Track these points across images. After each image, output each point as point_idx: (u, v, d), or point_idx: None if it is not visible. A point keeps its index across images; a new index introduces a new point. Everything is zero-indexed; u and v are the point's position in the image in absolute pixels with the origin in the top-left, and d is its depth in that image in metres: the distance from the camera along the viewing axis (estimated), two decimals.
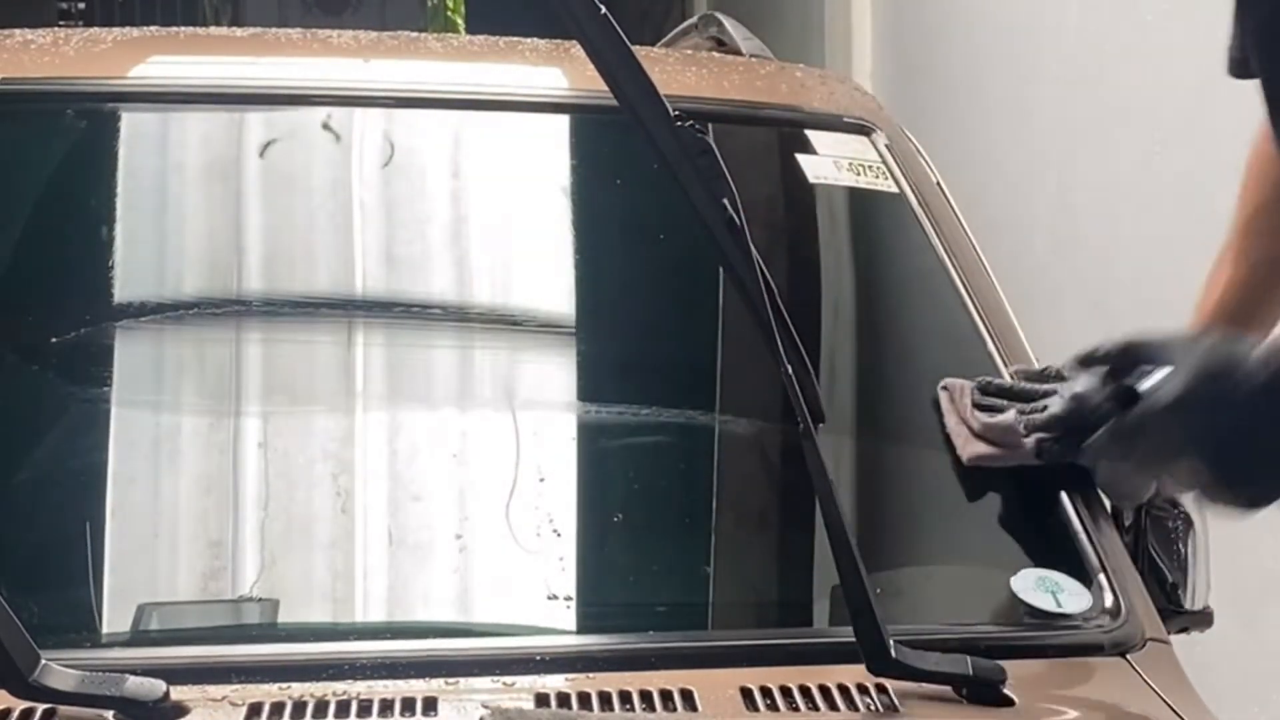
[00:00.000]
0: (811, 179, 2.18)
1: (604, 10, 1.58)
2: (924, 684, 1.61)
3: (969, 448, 1.92)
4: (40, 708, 1.50)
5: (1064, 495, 1.91)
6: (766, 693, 1.60)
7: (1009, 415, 1.88)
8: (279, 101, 2.23)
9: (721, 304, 2.10)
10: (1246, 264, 2.09)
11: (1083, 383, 1.82)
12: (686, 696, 1.58)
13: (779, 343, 1.61)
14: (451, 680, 1.60)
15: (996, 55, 4.54)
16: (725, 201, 1.61)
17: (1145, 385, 1.71)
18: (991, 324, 2.09)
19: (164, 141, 2.25)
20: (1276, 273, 2.09)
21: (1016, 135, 4.32)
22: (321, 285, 2.10)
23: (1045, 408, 1.85)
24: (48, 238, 2.09)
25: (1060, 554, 1.86)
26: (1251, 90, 1.90)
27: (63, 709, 1.50)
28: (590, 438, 2.00)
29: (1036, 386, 1.90)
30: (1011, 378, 1.96)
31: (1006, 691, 1.61)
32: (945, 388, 1.96)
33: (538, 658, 1.64)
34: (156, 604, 1.76)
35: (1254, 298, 2.08)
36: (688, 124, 1.61)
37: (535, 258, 2.17)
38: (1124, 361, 1.78)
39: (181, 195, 2.18)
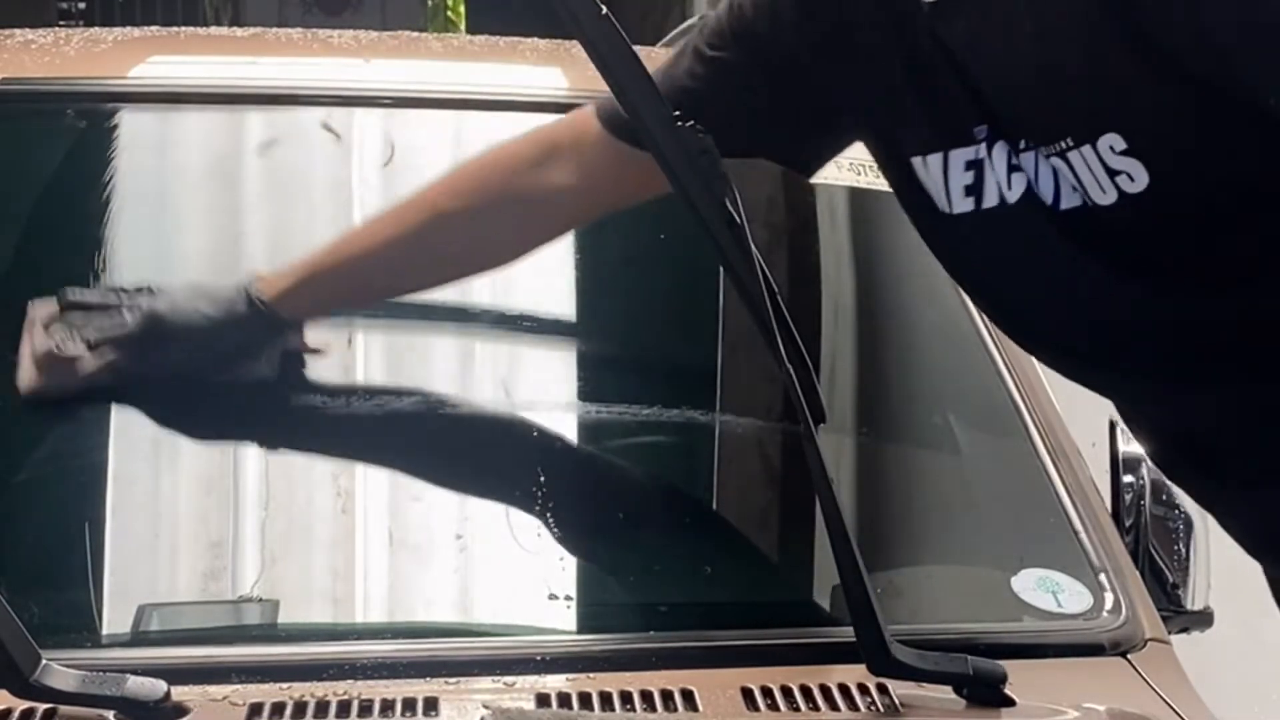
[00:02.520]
0: (812, 179, 2.18)
1: (604, 10, 1.58)
2: (924, 684, 1.61)
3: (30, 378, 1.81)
4: (41, 708, 1.50)
5: (1064, 495, 1.91)
6: (767, 692, 1.60)
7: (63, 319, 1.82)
8: (279, 101, 2.23)
9: (722, 304, 2.10)
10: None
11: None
12: (687, 696, 1.58)
13: (779, 343, 1.61)
14: (452, 680, 1.60)
15: None
16: (725, 201, 1.61)
17: None
18: (991, 324, 2.09)
19: (164, 141, 2.25)
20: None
21: None
22: None
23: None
24: (48, 238, 2.09)
25: (1060, 554, 1.86)
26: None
27: (63, 709, 1.50)
28: (590, 438, 2.00)
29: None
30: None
31: (1006, 691, 1.61)
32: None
33: (538, 658, 1.64)
34: (157, 604, 1.76)
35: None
36: (688, 124, 1.61)
37: (535, 258, 2.17)
38: None
39: (182, 195, 2.19)
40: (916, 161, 1.66)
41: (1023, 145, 1.57)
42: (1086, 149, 1.50)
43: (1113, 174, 1.49)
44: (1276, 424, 1.61)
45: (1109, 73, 1.47)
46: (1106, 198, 1.51)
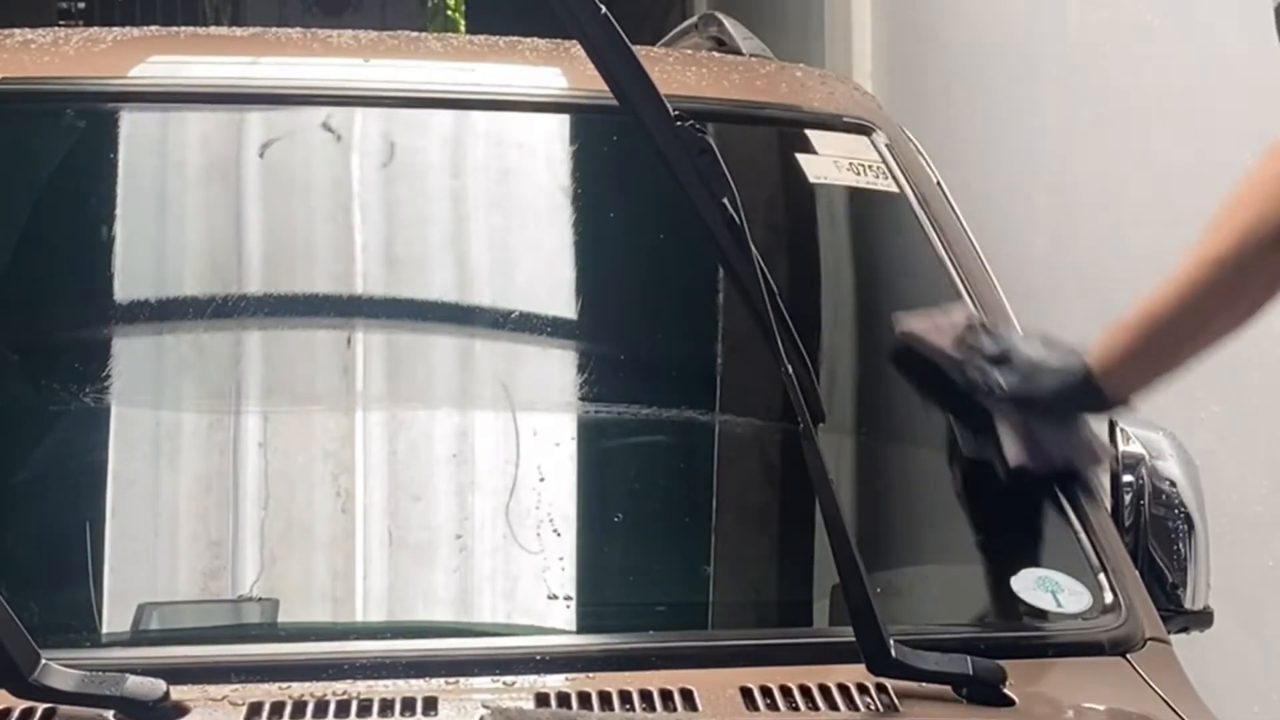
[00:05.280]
0: (811, 179, 2.18)
1: (604, 10, 1.58)
2: (924, 684, 1.61)
3: (916, 331, 1.98)
4: (40, 707, 1.50)
5: (1064, 495, 1.91)
6: (766, 692, 1.60)
7: (961, 317, 1.98)
8: (279, 101, 2.23)
9: (722, 304, 2.10)
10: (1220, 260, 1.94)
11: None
12: (686, 696, 1.58)
13: (779, 343, 1.61)
14: (451, 680, 1.60)
15: (996, 55, 4.54)
16: (725, 201, 1.61)
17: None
18: (991, 324, 2.09)
19: (164, 141, 2.25)
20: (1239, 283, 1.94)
21: (1016, 135, 4.32)
22: (321, 285, 2.10)
23: (999, 356, 1.94)
24: (48, 237, 2.09)
25: (1060, 554, 1.86)
26: (1250, 90, 1.90)
27: (63, 709, 1.50)
28: (590, 437, 2.00)
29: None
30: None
31: (1006, 691, 1.61)
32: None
33: (538, 657, 1.64)
34: (156, 604, 1.76)
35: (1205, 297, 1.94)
36: (688, 124, 1.61)
37: (535, 257, 2.17)
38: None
39: (182, 195, 2.18)
40: None
41: None
42: None
43: None
44: None
45: None
46: None
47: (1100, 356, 1.93)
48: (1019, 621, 1.80)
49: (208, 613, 1.77)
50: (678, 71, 2.38)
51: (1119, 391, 1.93)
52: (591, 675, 1.62)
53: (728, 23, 2.82)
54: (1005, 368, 1.93)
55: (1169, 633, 1.87)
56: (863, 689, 1.60)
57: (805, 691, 1.60)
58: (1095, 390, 1.92)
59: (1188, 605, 2.05)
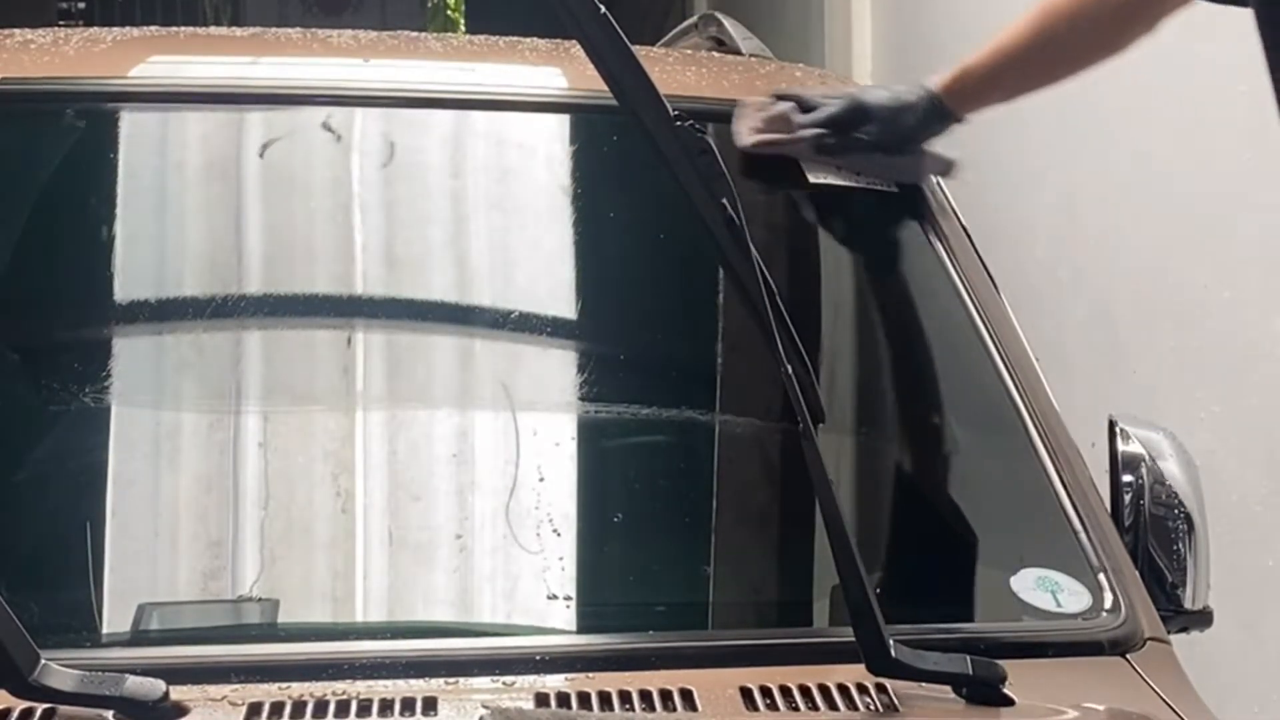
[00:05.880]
0: (811, 179, 2.18)
1: (604, 10, 1.58)
2: (924, 684, 1.61)
3: (749, 137, 2.14)
4: (40, 707, 1.50)
5: (1064, 495, 1.91)
6: (766, 692, 1.60)
7: (785, 105, 2.16)
8: (279, 101, 2.23)
9: (722, 304, 2.10)
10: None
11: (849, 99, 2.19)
12: (686, 696, 1.58)
13: (779, 343, 1.61)
14: (451, 680, 1.60)
15: None
16: (725, 201, 1.61)
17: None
18: (991, 324, 2.09)
19: (164, 141, 2.24)
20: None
21: (1016, 136, 4.32)
22: (322, 285, 2.10)
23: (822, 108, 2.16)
24: (48, 237, 2.09)
25: (1060, 554, 1.86)
26: (1249, 90, 1.91)
27: (63, 709, 1.50)
28: (590, 437, 2.00)
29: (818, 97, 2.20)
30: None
31: (1006, 691, 1.61)
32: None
33: (538, 658, 1.64)
34: (156, 604, 1.76)
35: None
36: (688, 124, 1.61)
37: (535, 257, 2.17)
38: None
39: (182, 195, 2.18)
40: None
41: None
42: None
43: None
44: None
45: None
46: None
47: (950, 84, 2.19)
48: (1019, 621, 1.80)
49: (208, 613, 1.77)
50: (678, 71, 2.38)
51: (961, 111, 2.19)
52: (591, 675, 1.62)
53: (727, 23, 2.82)
54: (864, 125, 2.15)
55: (1169, 633, 1.87)
56: (863, 689, 1.60)
57: (805, 691, 1.60)
58: (945, 112, 2.18)
59: (1188, 605, 2.05)
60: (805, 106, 2.17)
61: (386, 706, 1.55)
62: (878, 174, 2.18)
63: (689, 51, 2.76)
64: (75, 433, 1.90)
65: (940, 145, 2.22)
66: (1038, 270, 4.20)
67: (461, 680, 1.60)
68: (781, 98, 2.18)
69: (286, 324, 2.07)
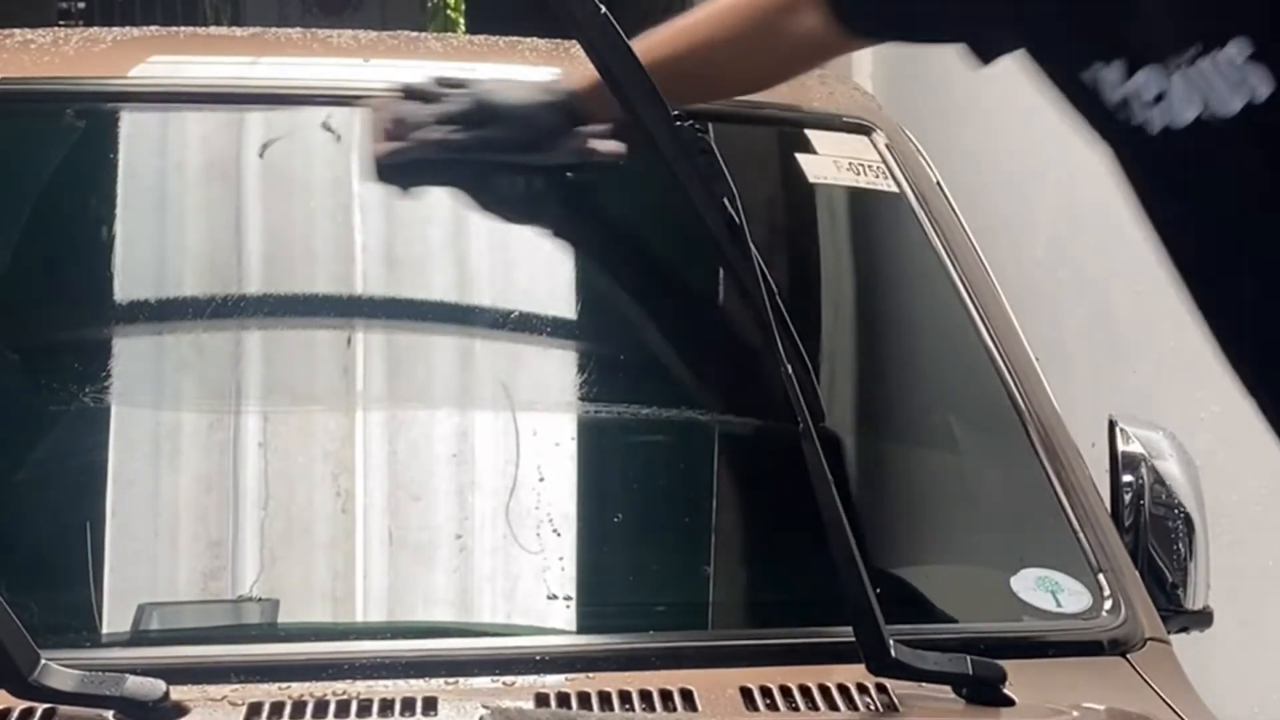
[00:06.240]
0: (811, 179, 2.18)
1: (604, 10, 1.58)
2: (924, 684, 1.61)
3: (379, 148, 2.05)
4: (40, 707, 1.50)
5: (1064, 495, 1.91)
6: (766, 692, 1.60)
7: (409, 105, 2.05)
8: (279, 101, 2.23)
9: (722, 304, 2.10)
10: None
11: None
12: (686, 696, 1.58)
13: (779, 343, 1.61)
14: (451, 680, 1.60)
15: None
16: (725, 201, 1.61)
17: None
18: (991, 324, 2.09)
19: (164, 141, 2.25)
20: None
21: (1016, 135, 4.32)
22: (321, 285, 2.10)
23: (445, 105, 2.04)
24: (48, 237, 2.09)
25: (1060, 554, 1.86)
26: None
27: (63, 709, 1.50)
28: (590, 438, 2.00)
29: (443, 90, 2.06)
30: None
31: (1006, 691, 1.61)
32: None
33: (538, 657, 1.64)
34: (156, 604, 1.76)
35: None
36: (688, 124, 1.61)
37: (535, 257, 2.17)
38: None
39: (181, 195, 2.18)
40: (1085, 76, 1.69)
41: (1156, 59, 1.57)
42: (1215, 54, 1.49)
43: (1239, 82, 1.50)
44: None
45: None
46: (1232, 106, 1.50)
47: (590, 86, 1.98)
48: (1019, 621, 1.80)
49: (208, 613, 1.77)
50: None
51: (600, 114, 2.01)
52: (591, 675, 1.62)
53: None
54: (490, 124, 2.03)
55: (1169, 633, 1.87)
56: (863, 689, 1.60)
57: (805, 691, 1.60)
58: (581, 115, 2.02)
59: (1188, 605, 2.05)
60: (430, 103, 2.06)
61: (387, 706, 1.55)
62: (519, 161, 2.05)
63: None
64: (75, 433, 1.90)
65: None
66: (1038, 270, 4.20)
67: (461, 680, 1.60)
68: (410, 94, 2.08)
69: (286, 324, 2.07)
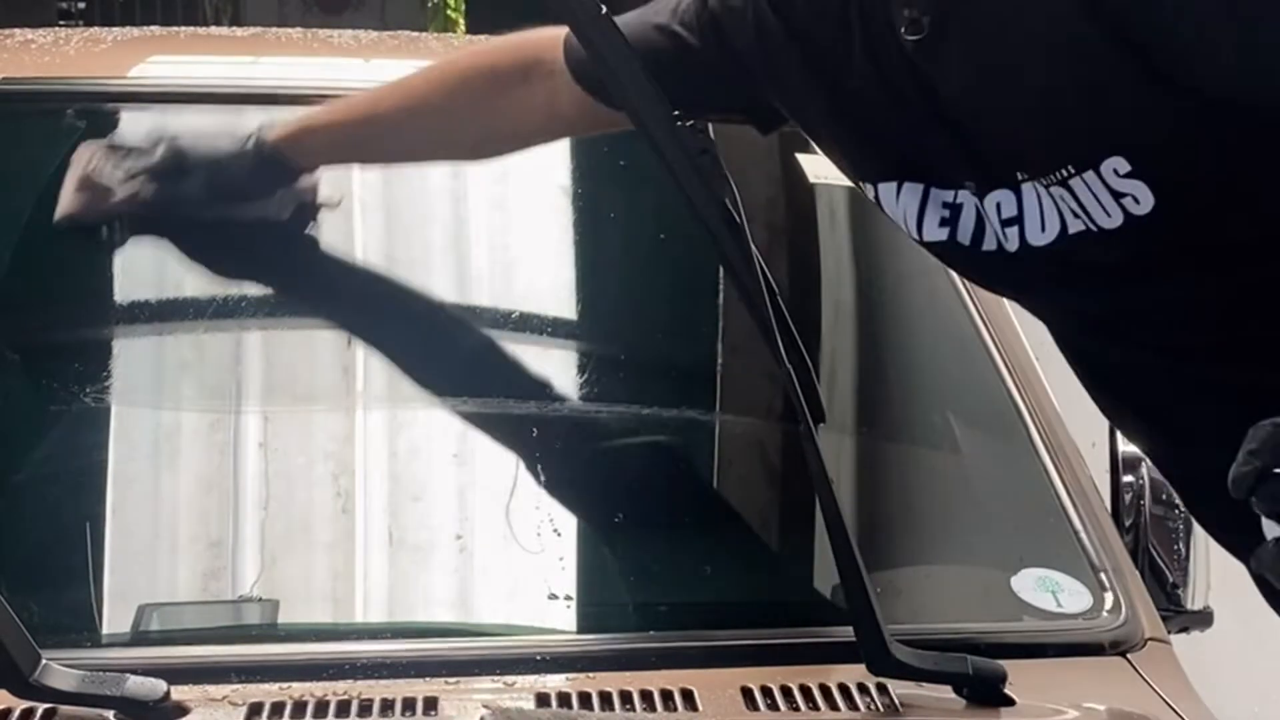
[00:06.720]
0: (811, 179, 2.18)
1: (604, 10, 1.58)
2: (924, 684, 1.61)
3: (66, 198, 1.97)
4: (40, 707, 1.50)
5: (1064, 495, 1.91)
6: (766, 692, 1.60)
7: (101, 158, 1.97)
8: (279, 101, 2.23)
9: (722, 303, 2.10)
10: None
11: None
12: (687, 696, 1.58)
13: (779, 342, 1.61)
14: (451, 680, 1.60)
15: None
16: (725, 201, 1.61)
17: None
18: (991, 324, 2.09)
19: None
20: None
21: None
22: (322, 285, 2.10)
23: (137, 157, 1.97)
24: (48, 237, 2.09)
25: (1060, 554, 1.86)
26: None
27: (63, 709, 1.50)
28: (590, 437, 2.00)
29: None
30: None
31: (1006, 691, 1.61)
32: None
33: (538, 657, 1.64)
34: (156, 604, 1.76)
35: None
36: (688, 124, 1.61)
37: (535, 257, 2.17)
38: None
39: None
40: (884, 187, 1.65)
41: (1020, 177, 1.55)
42: (1089, 174, 1.49)
43: (1118, 196, 1.48)
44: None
45: (1109, 96, 1.46)
46: (1112, 221, 1.50)
47: (289, 135, 1.96)
48: (1019, 621, 1.80)
49: (208, 613, 1.77)
50: None
51: (304, 163, 1.99)
52: (592, 675, 1.62)
53: None
54: (184, 177, 1.97)
55: (1169, 633, 1.87)
56: (863, 689, 1.60)
57: (805, 691, 1.60)
58: (284, 165, 1.97)
59: (1188, 605, 2.05)
60: (122, 156, 1.98)
61: (387, 706, 1.55)
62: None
63: None
64: (75, 433, 1.90)
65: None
66: None
67: (462, 680, 1.60)
68: (111, 146, 1.99)
69: (286, 324, 2.07)
